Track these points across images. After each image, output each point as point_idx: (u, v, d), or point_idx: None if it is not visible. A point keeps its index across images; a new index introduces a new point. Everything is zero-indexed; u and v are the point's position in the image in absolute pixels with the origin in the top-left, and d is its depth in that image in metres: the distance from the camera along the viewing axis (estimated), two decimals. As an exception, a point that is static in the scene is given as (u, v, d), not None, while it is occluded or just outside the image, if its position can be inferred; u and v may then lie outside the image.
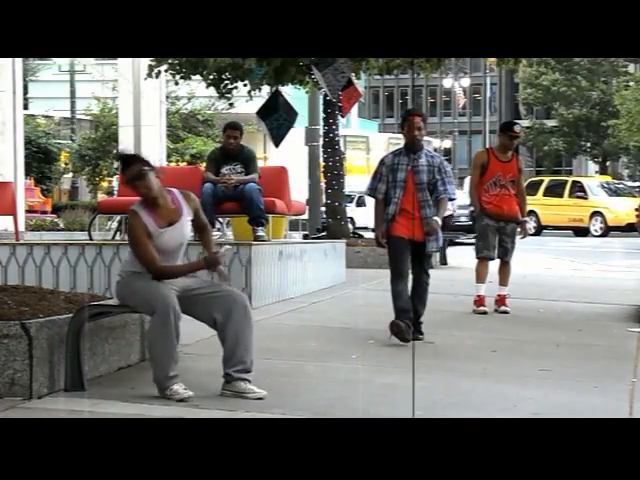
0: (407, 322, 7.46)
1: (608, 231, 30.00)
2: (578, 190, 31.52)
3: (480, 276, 9.82)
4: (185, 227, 5.85)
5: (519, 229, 10.00)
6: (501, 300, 9.85)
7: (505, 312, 9.72)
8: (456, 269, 15.47)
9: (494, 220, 9.75)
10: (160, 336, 5.47)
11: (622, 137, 44.94)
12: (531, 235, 24.05)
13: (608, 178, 39.93)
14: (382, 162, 7.89)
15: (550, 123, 55.15)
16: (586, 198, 31.11)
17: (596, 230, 30.57)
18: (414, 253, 7.78)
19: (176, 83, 17.88)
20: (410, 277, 7.87)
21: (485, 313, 9.54)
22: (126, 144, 21.06)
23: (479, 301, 9.70)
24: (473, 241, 10.41)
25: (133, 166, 5.74)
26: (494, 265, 9.94)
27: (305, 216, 17.61)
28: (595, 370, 6.98)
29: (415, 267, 7.87)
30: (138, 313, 5.94)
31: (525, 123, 60.84)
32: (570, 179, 33.93)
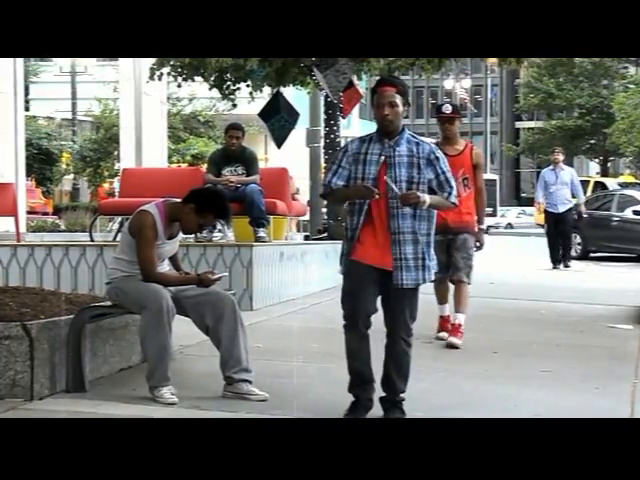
0: (367, 398, 5.29)
1: None
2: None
3: (437, 297, 8.04)
4: (177, 242, 6.01)
5: (475, 240, 7.98)
6: (453, 330, 7.86)
7: (452, 346, 7.71)
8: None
9: (440, 234, 6.95)
10: (153, 330, 5.49)
11: (622, 142, 44.71)
12: None
13: (630, 178, 39.46)
14: (344, 149, 5.36)
15: (548, 127, 55.07)
16: None
17: None
18: (383, 290, 5.23)
19: (179, 85, 17.88)
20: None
21: (445, 340, 7.88)
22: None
23: (441, 324, 8.09)
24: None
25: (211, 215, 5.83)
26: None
27: (306, 217, 17.62)
28: (596, 371, 6.98)
29: (388, 316, 5.29)
30: (137, 314, 5.94)
31: (527, 124, 60.99)
32: (592, 179, 32.93)
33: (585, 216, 20.72)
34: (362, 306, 5.16)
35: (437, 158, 5.25)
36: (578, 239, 20.57)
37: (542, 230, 20.20)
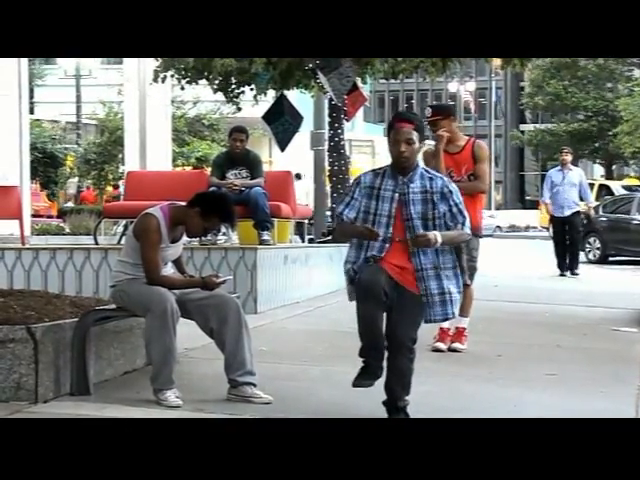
0: (377, 366, 5.22)
1: None
2: (606, 194, 28.72)
3: None
4: (181, 246, 6.00)
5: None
6: (457, 334, 7.81)
7: (456, 350, 7.69)
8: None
9: None
10: (158, 333, 5.49)
11: (624, 143, 44.66)
12: None
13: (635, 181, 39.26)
14: (357, 181, 5.35)
15: (553, 128, 55.07)
16: None
17: None
18: (392, 303, 5.14)
19: (182, 88, 17.91)
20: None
21: (441, 351, 7.65)
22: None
23: (440, 335, 7.76)
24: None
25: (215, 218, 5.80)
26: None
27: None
28: (601, 374, 6.97)
29: (391, 327, 5.18)
30: (142, 317, 5.95)
31: (531, 127, 60.98)
32: (597, 183, 32.19)
33: (603, 219, 20.42)
34: (379, 280, 5.05)
35: (450, 191, 5.24)
36: (597, 243, 20.26)
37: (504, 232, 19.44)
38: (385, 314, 5.20)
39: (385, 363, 5.24)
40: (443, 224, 5.20)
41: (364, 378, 5.26)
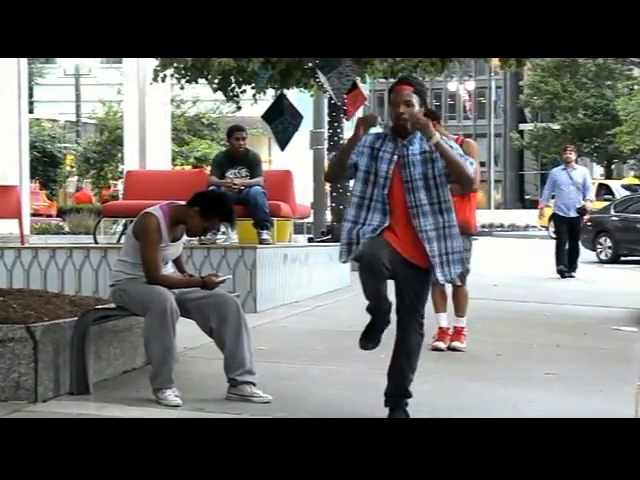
0: (384, 320, 5.22)
1: None
2: (605, 194, 29.02)
3: (434, 304, 7.67)
4: (181, 245, 5.99)
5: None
6: (456, 334, 7.82)
7: (455, 349, 7.71)
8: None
9: None
10: (157, 332, 5.48)
11: (623, 142, 44.65)
12: None
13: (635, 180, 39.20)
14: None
15: (554, 127, 55.09)
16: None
17: None
18: (398, 279, 5.18)
19: (181, 87, 17.93)
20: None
21: (441, 350, 7.65)
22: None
23: (439, 334, 7.78)
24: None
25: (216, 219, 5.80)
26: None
27: (310, 219, 17.64)
28: (600, 373, 6.97)
29: (401, 304, 5.21)
30: (141, 316, 5.95)
31: (530, 127, 60.96)
32: (597, 182, 31.78)
33: (614, 218, 20.32)
34: (379, 257, 4.96)
35: (450, 147, 5.15)
36: (608, 243, 20.10)
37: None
38: (395, 287, 5.18)
39: (395, 336, 5.23)
40: (445, 181, 5.13)
41: (370, 338, 5.24)
